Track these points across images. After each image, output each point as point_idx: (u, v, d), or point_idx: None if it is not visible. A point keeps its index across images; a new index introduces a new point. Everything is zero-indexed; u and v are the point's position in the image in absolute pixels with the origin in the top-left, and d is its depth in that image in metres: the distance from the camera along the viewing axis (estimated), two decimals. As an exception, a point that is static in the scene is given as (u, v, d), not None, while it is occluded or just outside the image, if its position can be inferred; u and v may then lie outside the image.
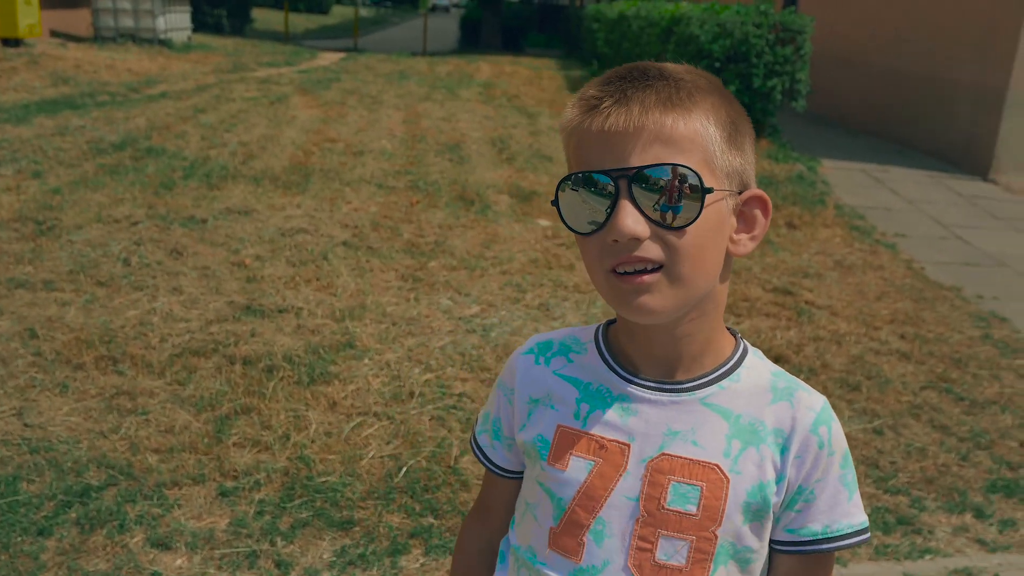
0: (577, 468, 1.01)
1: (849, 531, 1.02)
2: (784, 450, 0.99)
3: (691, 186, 0.89)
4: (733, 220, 0.97)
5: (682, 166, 0.89)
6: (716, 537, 0.98)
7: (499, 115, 10.24)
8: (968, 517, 3.16)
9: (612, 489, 0.99)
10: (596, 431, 1.01)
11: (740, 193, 0.97)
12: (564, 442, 1.02)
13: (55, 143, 7.09)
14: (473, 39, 26.25)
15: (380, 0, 72.80)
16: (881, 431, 3.65)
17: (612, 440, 1.00)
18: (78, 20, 15.72)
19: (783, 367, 3.66)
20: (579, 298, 4.65)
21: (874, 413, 3.78)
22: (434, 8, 66.10)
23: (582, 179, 0.92)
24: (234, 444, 3.18)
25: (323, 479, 3.02)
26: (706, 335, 1.00)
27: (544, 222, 5.99)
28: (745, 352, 1.04)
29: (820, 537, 1.02)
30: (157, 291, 4.32)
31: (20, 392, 3.38)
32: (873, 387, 3.99)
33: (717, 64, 8.32)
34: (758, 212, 0.99)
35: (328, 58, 17.47)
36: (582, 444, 1.01)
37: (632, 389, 1.01)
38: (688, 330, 0.98)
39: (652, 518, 0.98)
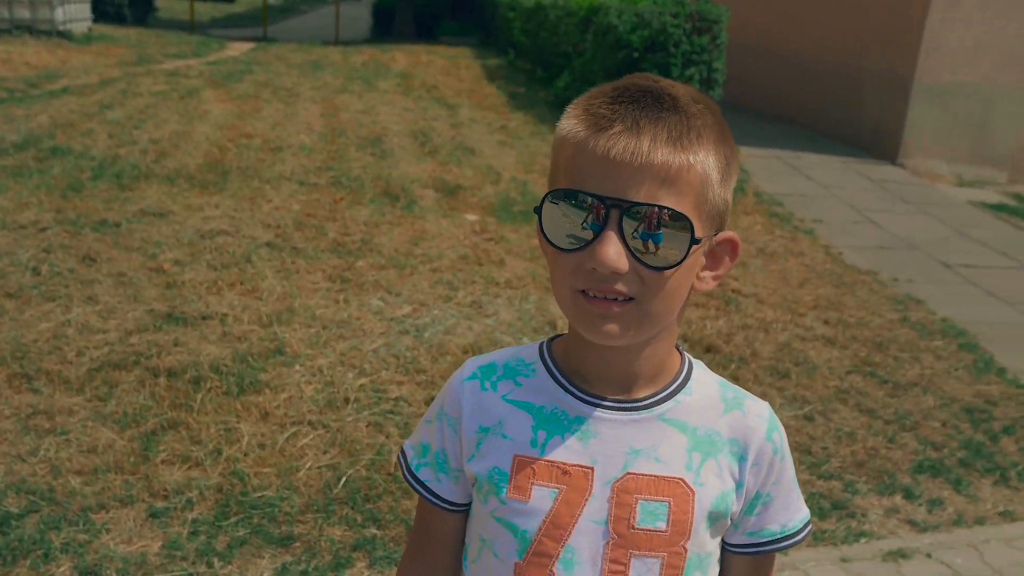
0: (541, 497, 0.98)
1: (800, 526, 1.08)
2: (742, 459, 1.02)
3: (681, 232, 0.89)
4: (703, 258, 0.98)
5: (678, 212, 0.89)
6: (686, 551, 1.00)
7: (419, 107, 10.12)
8: (898, 498, 3.26)
9: (579, 515, 0.98)
10: (557, 457, 0.98)
11: (717, 233, 0.98)
12: (523, 472, 0.99)
13: (-50, 144, 6.70)
14: (386, 27, 25.85)
15: (289, -13, 71.09)
16: (812, 417, 3.74)
17: (575, 465, 0.98)
18: (-32, 11, 14.87)
19: (715, 356, 3.70)
20: (511, 294, 4.63)
21: (804, 399, 3.87)
22: (345, -4, 64.84)
23: (573, 196, 0.90)
24: (162, 462, 3.06)
25: (259, 494, 2.92)
26: (662, 357, 1.01)
27: (472, 216, 5.94)
28: (691, 365, 1.06)
29: (778, 536, 1.06)
30: (71, 301, 4.11)
31: (-74, 416, 3.17)
32: (802, 373, 4.08)
33: (636, 54, 8.38)
34: (727, 256, 1.01)
35: (237, 48, 16.99)
36: (543, 472, 0.98)
37: (590, 410, 0.99)
38: (646, 352, 0.99)
39: (623, 539, 0.98)
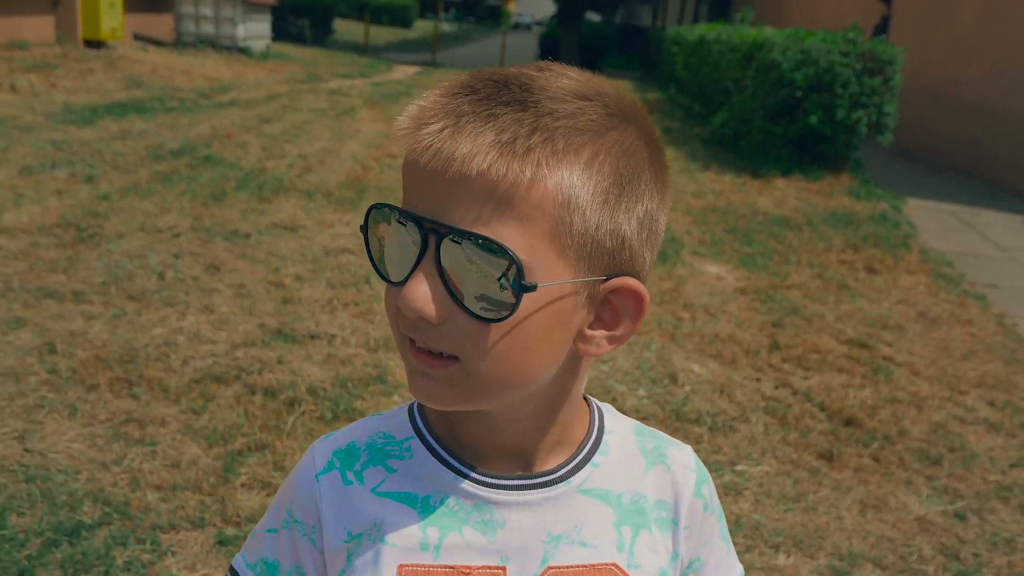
0: None
1: None
2: (674, 524, 0.84)
3: (507, 277, 0.65)
4: (587, 313, 0.72)
5: (494, 244, 0.64)
6: None
7: (568, 136, 9.96)
8: (1065, 629, 2.73)
9: None
10: (456, 560, 0.77)
11: (608, 279, 0.70)
12: None
13: (114, 147, 7.05)
14: (551, 57, 26.06)
15: (463, 16, 73.55)
16: (964, 516, 3.23)
17: (481, 568, 0.77)
18: (161, 25, 16.03)
19: (855, 432, 3.17)
20: (632, 340, 4.32)
21: (956, 493, 3.36)
22: (516, 26, 66.53)
23: (391, 215, 0.70)
24: (242, 485, 2.94)
25: (332, 532, 2.75)
26: (563, 425, 0.80)
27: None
28: (602, 414, 0.85)
29: None
30: (187, 308, 4.13)
31: (27, 413, 3.20)
32: (956, 462, 3.56)
33: (799, 93, 7.90)
34: (628, 309, 0.72)
35: (403, 71, 17.48)
36: None
37: (491, 493, 0.77)
38: (536, 424, 0.78)
39: None
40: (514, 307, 0.66)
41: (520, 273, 0.64)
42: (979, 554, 3.02)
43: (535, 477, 0.78)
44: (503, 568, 0.77)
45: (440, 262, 0.66)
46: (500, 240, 0.64)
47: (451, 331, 0.68)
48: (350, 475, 0.79)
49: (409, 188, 0.69)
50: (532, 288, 0.65)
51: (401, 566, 0.76)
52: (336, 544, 0.78)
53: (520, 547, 0.77)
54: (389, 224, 0.70)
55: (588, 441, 0.82)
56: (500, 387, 0.71)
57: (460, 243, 0.65)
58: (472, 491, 0.78)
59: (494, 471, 0.78)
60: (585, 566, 0.78)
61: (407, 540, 0.77)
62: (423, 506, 0.78)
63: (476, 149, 0.64)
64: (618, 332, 0.73)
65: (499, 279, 0.65)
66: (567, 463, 0.80)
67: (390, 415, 0.84)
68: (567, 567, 0.77)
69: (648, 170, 0.71)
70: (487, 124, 0.65)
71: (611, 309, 0.72)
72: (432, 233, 0.66)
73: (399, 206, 0.70)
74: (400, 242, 0.69)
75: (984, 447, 3.71)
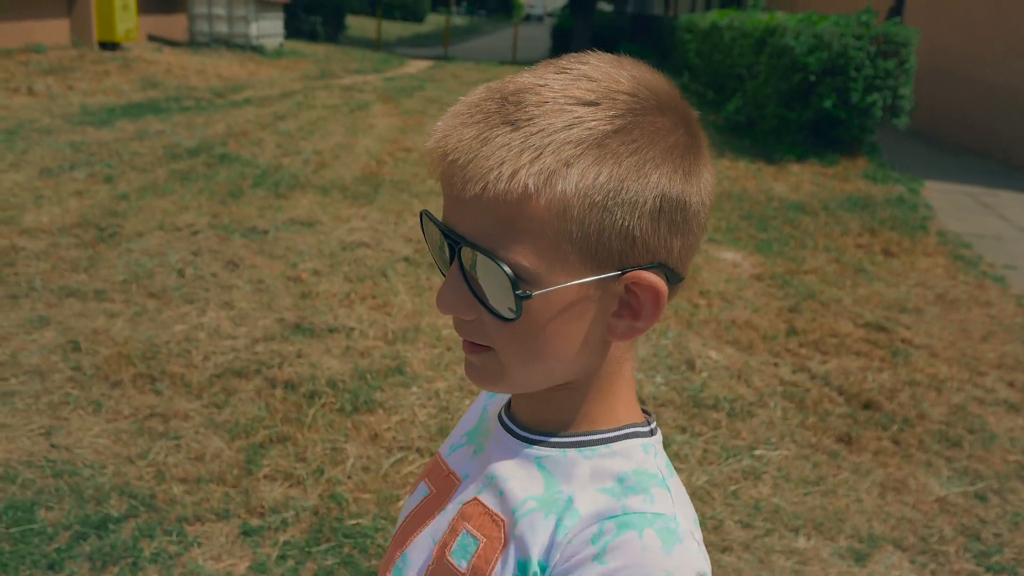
0: (416, 495, 0.89)
1: None
2: (560, 530, 0.73)
3: (504, 281, 0.70)
4: (608, 304, 0.74)
5: (488, 255, 0.69)
6: None
7: (581, 127, 9.96)
8: (1087, 607, 2.73)
9: (426, 524, 0.85)
10: (451, 461, 0.89)
11: (624, 272, 0.71)
12: (428, 464, 0.93)
13: (132, 147, 7.12)
14: (564, 48, 26.07)
15: (474, 9, 73.42)
16: (984, 496, 3.22)
17: (453, 472, 0.88)
18: (175, 25, 16.11)
19: (873, 415, 3.13)
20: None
21: (977, 474, 3.35)
22: (528, 17, 66.42)
23: (428, 219, 0.78)
24: (265, 476, 2.98)
25: (354, 521, 2.79)
26: (585, 409, 0.79)
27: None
28: (632, 437, 0.79)
29: None
30: (207, 305, 4.18)
31: (52, 409, 3.25)
32: (976, 443, 3.56)
33: (812, 77, 7.85)
34: (648, 300, 0.73)
35: (416, 66, 17.49)
36: (434, 471, 0.90)
37: (496, 427, 0.87)
38: (557, 398, 0.80)
39: (436, 566, 0.81)
40: (517, 311, 0.71)
41: (514, 284, 0.69)
42: (1000, 534, 3.02)
43: (522, 430, 0.83)
44: (460, 481, 0.86)
45: (463, 267, 0.72)
46: (506, 253, 0.69)
47: (480, 326, 0.75)
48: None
49: (444, 196, 0.76)
50: (528, 297, 0.70)
51: (437, 452, 0.94)
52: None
53: (476, 472, 0.84)
54: (427, 227, 0.78)
55: (582, 436, 0.79)
56: (529, 375, 0.77)
57: (472, 253, 0.71)
58: (491, 415, 0.90)
59: (515, 417, 0.86)
60: (489, 510, 0.79)
61: (454, 434, 0.95)
62: (478, 414, 0.94)
63: (471, 174, 0.68)
64: (640, 324, 0.74)
65: (501, 285, 0.70)
66: (549, 435, 0.80)
67: None
68: (482, 504, 0.80)
69: (664, 158, 0.71)
70: (482, 149, 0.68)
71: (635, 298, 0.74)
72: (452, 242, 0.72)
73: (427, 212, 0.78)
74: (440, 245, 0.76)
75: (1004, 428, 3.70)
